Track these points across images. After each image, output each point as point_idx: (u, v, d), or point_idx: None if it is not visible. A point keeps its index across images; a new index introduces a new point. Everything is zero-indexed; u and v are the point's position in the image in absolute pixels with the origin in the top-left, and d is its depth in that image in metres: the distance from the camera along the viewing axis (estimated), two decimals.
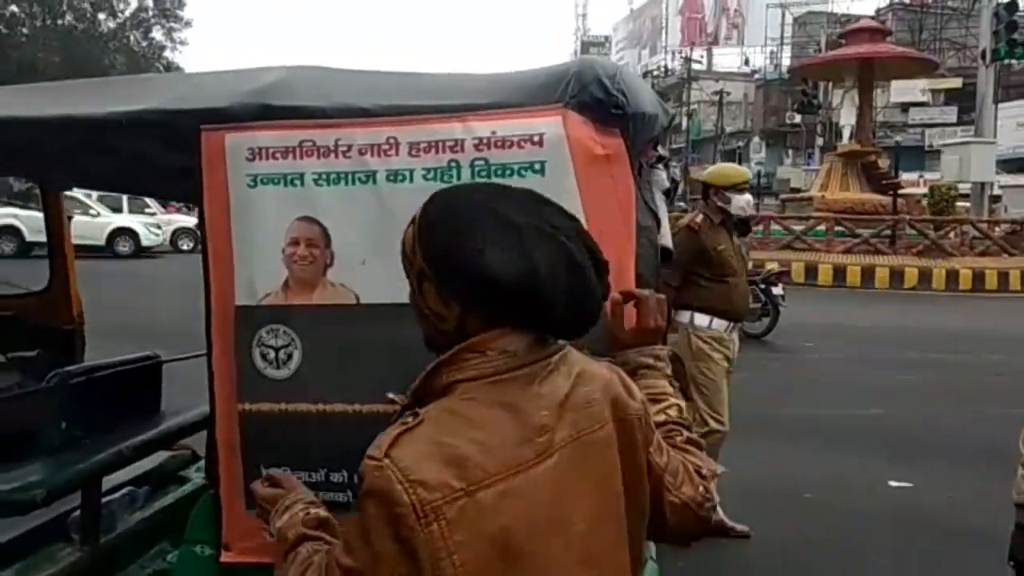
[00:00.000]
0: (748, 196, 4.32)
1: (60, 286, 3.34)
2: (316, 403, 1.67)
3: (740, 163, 23.04)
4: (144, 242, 20.86)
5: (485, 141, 1.60)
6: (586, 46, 58.29)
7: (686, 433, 1.42)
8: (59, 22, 39.03)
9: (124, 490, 2.49)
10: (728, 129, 43.67)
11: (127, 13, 41.24)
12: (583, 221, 1.53)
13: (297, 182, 1.67)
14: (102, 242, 19.13)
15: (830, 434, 6.25)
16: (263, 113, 1.70)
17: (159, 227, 22.28)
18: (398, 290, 1.63)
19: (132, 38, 42.14)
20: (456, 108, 1.63)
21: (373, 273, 1.66)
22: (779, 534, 4.26)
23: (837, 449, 5.83)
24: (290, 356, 1.68)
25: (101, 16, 40.80)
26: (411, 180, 1.63)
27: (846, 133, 23.15)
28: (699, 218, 4.08)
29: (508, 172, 1.60)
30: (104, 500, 2.36)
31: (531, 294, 1.08)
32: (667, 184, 2.01)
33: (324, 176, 1.66)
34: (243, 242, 1.69)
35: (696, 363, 4.03)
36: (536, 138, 1.59)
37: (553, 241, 1.12)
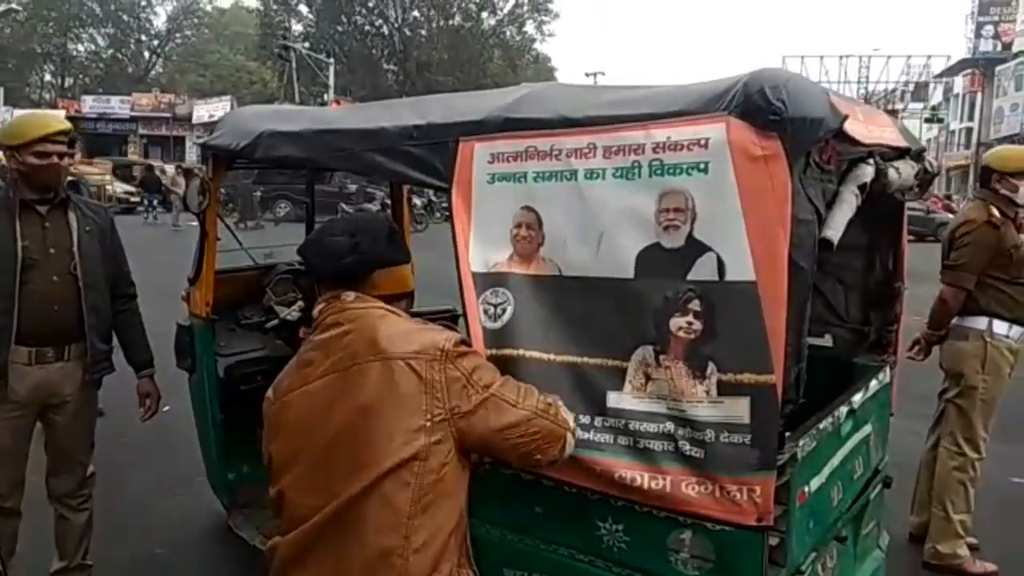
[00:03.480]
0: None
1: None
2: (517, 349, 2.11)
3: None
4: None
5: (661, 145, 1.92)
6: (984, 7, 50.47)
7: None
8: (450, 22, 44.57)
9: None
10: None
11: (505, 10, 45.77)
12: (742, 216, 1.79)
13: (522, 179, 2.14)
14: None
15: None
16: (505, 125, 2.20)
17: None
18: (590, 266, 2.05)
19: (508, 33, 46.67)
20: (642, 117, 1.97)
21: (571, 251, 2.07)
22: None
23: None
24: (504, 311, 2.16)
25: (484, 15, 45.77)
26: (603, 178, 2.01)
27: None
28: (995, 212, 3.58)
29: (678, 171, 1.90)
30: None
31: None
32: (867, 179, 2.11)
33: (540, 174, 2.11)
34: (481, 225, 2.21)
35: (984, 375, 3.62)
36: (703, 142, 1.86)
37: None
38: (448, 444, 1.63)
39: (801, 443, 2.04)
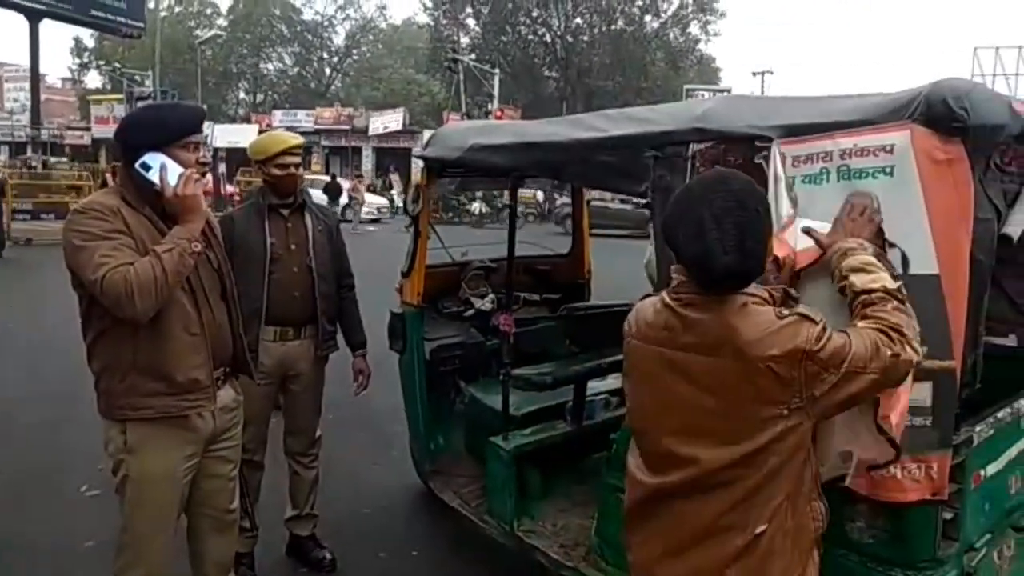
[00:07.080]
0: None
1: (578, 252, 4.66)
2: None
3: None
4: None
5: (848, 152, 2.11)
6: None
7: (894, 302, 1.76)
8: (612, 27, 44.50)
9: (601, 396, 3.57)
10: None
11: (669, 12, 45.00)
12: (925, 214, 1.97)
13: None
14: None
15: None
16: (695, 135, 2.46)
17: None
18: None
19: (671, 35, 45.87)
20: (829, 126, 2.17)
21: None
22: None
23: None
24: None
25: (647, 18, 45.21)
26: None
27: None
28: None
29: (864, 175, 2.08)
30: (588, 400, 3.45)
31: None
32: None
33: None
34: None
35: None
36: (888, 148, 2.04)
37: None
38: (806, 424, 1.72)
39: (978, 428, 2.17)
